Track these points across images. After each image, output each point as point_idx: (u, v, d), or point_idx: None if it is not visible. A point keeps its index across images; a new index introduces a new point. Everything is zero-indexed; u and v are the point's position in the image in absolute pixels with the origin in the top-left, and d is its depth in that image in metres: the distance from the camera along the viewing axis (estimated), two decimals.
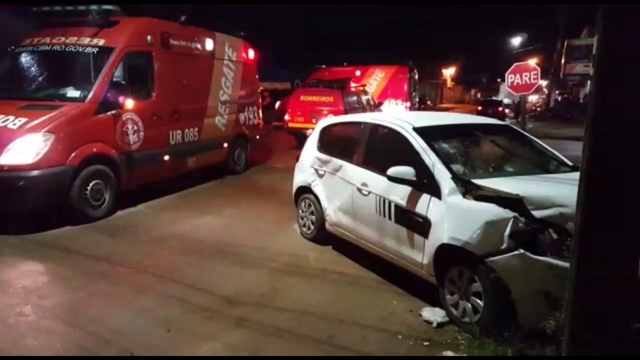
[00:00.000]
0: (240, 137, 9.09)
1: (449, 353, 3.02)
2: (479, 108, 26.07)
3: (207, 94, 8.11)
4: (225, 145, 8.61)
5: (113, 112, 6.01)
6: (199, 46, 7.86)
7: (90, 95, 5.83)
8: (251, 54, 9.44)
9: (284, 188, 6.74)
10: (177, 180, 7.50)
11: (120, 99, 6.03)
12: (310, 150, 5.43)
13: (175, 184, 7.41)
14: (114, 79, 6.09)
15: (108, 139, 5.98)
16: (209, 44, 8.08)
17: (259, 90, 10.25)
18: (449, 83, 56.38)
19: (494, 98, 33.99)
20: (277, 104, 20.52)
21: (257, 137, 9.89)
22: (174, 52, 7.18)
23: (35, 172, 5.18)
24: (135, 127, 6.38)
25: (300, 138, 11.21)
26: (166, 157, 7.02)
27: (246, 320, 3.50)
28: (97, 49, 6.21)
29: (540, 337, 2.78)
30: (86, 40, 6.31)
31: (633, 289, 2.33)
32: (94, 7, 6.49)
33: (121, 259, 4.59)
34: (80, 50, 6.24)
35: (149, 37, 6.72)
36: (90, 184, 5.70)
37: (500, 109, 25.68)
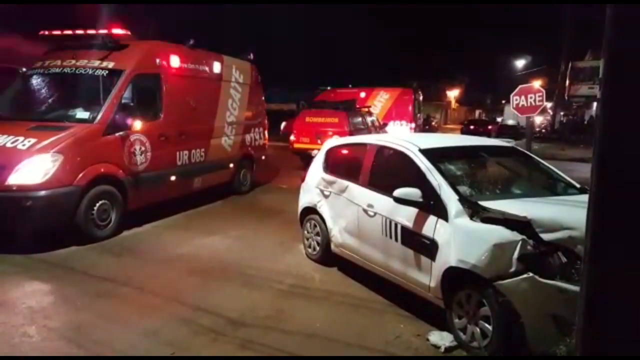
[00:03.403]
0: (246, 157, 9.14)
1: None
2: (471, 127, 29.75)
3: (214, 115, 8.20)
4: (232, 165, 8.66)
5: (121, 133, 6.08)
6: (206, 69, 7.99)
7: (99, 117, 5.91)
8: (258, 76, 9.57)
9: (289, 208, 6.73)
10: (184, 200, 7.52)
11: (129, 120, 6.11)
12: (316, 171, 5.45)
13: (181, 204, 7.43)
14: (123, 101, 6.18)
15: (116, 160, 6.03)
16: (217, 67, 8.22)
17: (265, 111, 10.36)
18: (454, 104, 56.68)
19: (483, 118, 40.57)
20: (283, 124, 20.71)
21: (263, 157, 9.95)
22: (181, 74, 7.31)
23: (43, 192, 5.21)
24: (143, 148, 6.44)
25: (305, 159, 11.26)
26: (173, 178, 7.06)
27: (251, 342, 3.46)
28: (106, 72, 6.33)
29: None
30: (96, 63, 6.43)
31: None
32: (104, 30, 6.64)
33: (126, 280, 4.58)
34: (90, 72, 6.36)
35: (157, 60, 6.85)
36: (97, 204, 5.73)
37: (489, 127, 29.84)
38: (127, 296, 4.25)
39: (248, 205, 8.35)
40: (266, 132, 10.07)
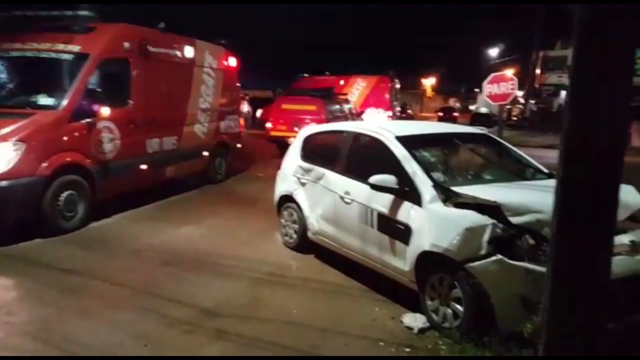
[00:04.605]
0: (220, 145, 8.99)
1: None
2: (440, 114, 33.69)
3: (186, 102, 8.02)
4: (206, 153, 8.51)
5: (88, 120, 5.87)
6: (178, 53, 7.79)
7: (64, 103, 5.69)
8: (232, 61, 9.38)
9: (265, 197, 6.68)
10: (156, 190, 7.36)
11: (96, 106, 5.89)
12: (293, 159, 5.41)
13: (153, 194, 7.26)
14: (89, 87, 5.96)
15: (82, 148, 5.83)
16: (189, 51, 8.02)
17: (240, 97, 10.20)
18: (429, 93, 57.24)
19: (450, 105, 43.36)
20: (259, 112, 20.49)
21: (238, 145, 9.82)
22: (152, 59, 7.09)
23: (4, 183, 5.00)
24: (111, 136, 6.25)
25: (282, 146, 11.18)
26: (143, 166, 6.88)
27: (227, 332, 3.42)
28: (71, 56, 6.08)
29: (518, 340, 2.82)
30: (60, 47, 6.16)
31: (607, 290, 2.37)
32: (68, 12, 6.36)
33: (96, 273, 4.45)
34: (54, 56, 6.10)
35: (126, 44, 6.62)
36: (63, 195, 5.53)
37: (455, 114, 33.85)
38: (96, 289, 4.14)
39: (223, 195, 8.24)
40: (242, 120, 9.94)
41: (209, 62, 8.61)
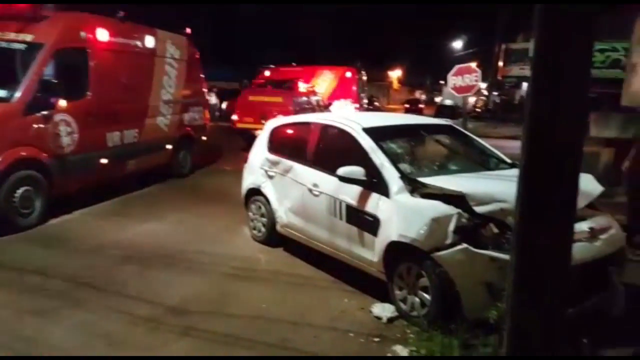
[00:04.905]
0: (185, 138, 8.78)
1: (399, 347, 3.06)
2: (406, 106, 34.47)
3: (148, 93, 7.76)
4: (169, 146, 8.29)
5: (44, 112, 5.59)
6: (138, 43, 7.51)
7: (17, 95, 5.38)
8: (195, 52, 9.16)
9: (232, 191, 6.58)
10: (118, 185, 7.12)
11: (52, 98, 5.62)
12: (260, 151, 5.34)
13: (115, 189, 7.03)
14: (45, 78, 5.66)
15: (38, 142, 5.55)
16: (150, 41, 7.75)
17: (205, 89, 9.97)
18: (395, 85, 57.82)
19: (416, 97, 44.82)
20: (225, 104, 20.13)
21: (204, 138, 9.63)
22: (111, 49, 6.81)
23: None
24: (69, 129, 5.98)
25: (249, 139, 11.03)
26: (104, 160, 6.64)
27: (194, 329, 3.36)
28: (25, 45, 5.75)
29: (483, 326, 2.89)
30: (12, 36, 5.83)
31: (568, 276, 2.46)
32: None
33: (55, 272, 4.27)
34: (6, 46, 5.75)
35: (82, 33, 6.33)
36: (19, 191, 5.27)
37: (420, 106, 34.88)
38: (56, 289, 3.96)
39: (189, 189, 8.07)
40: (207, 112, 9.73)
41: (171, 53, 8.37)
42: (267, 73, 17.19)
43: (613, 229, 3.37)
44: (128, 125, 7.18)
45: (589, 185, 3.37)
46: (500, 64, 26.41)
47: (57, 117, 5.78)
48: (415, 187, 3.50)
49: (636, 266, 4.15)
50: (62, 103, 5.74)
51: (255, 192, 5.27)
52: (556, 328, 2.42)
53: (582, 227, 3.10)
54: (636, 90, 7.46)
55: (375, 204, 3.67)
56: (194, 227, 5.82)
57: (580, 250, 2.59)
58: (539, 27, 2.35)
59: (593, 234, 3.15)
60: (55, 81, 5.74)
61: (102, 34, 6.61)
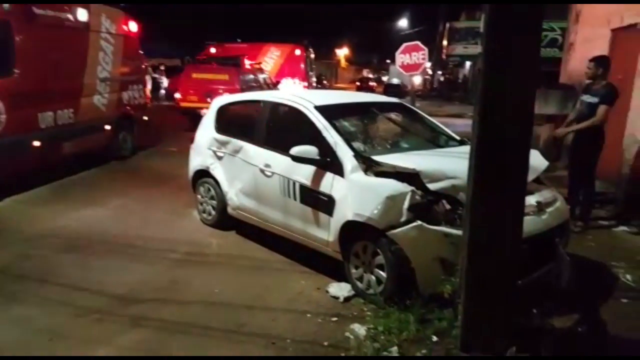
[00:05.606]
0: (124, 117, 8.30)
1: (356, 326, 3.08)
2: (358, 84, 36.04)
3: (82, 71, 7.20)
4: (108, 127, 7.81)
5: None
6: (70, 17, 6.90)
7: None
8: (133, 26, 8.58)
9: (179, 173, 6.31)
10: (53, 169, 6.64)
11: None
12: (207, 131, 5.12)
13: (50, 174, 6.55)
14: None
15: None
16: (83, 15, 7.14)
17: (144, 66, 9.43)
18: (343, 63, 57.82)
19: (367, 76, 46.36)
20: (166, 82, 19.26)
21: (145, 117, 9.15)
22: (39, 22, 6.21)
23: None
24: None
25: (194, 119, 10.61)
26: (36, 143, 6.13)
27: (144, 318, 3.20)
28: None
29: (438, 301, 2.96)
30: None
31: (518, 249, 2.55)
32: None
33: None
34: None
35: (5, 5, 5.70)
36: None
37: (371, 84, 36.51)
38: None
39: (131, 172, 7.67)
40: (147, 90, 9.23)
41: (107, 27, 7.78)
42: (212, 50, 16.54)
43: (558, 202, 3.54)
44: (62, 105, 6.65)
45: (535, 160, 3.50)
46: (445, 43, 27.00)
47: None
48: (369, 166, 3.49)
49: (576, 237, 4.42)
50: None
51: (203, 173, 5.07)
52: (509, 299, 2.52)
53: (530, 201, 3.23)
54: (573, 68, 7.87)
55: (330, 184, 3.62)
56: (139, 212, 5.53)
57: (528, 224, 2.68)
58: (490, 8, 2.36)
59: (540, 207, 3.29)
60: None
61: (28, 7, 6.00)
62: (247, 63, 13.49)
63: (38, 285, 3.62)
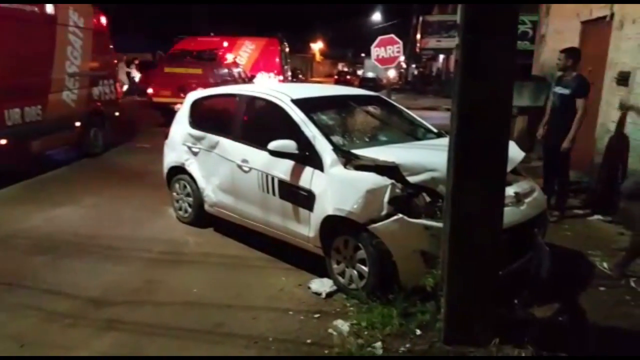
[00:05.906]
0: (95, 114, 8.04)
1: (339, 322, 3.05)
2: (336, 77, 36.85)
3: (50, 66, 6.93)
4: (78, 124, 7.55)
5: None
6: (35, 9, 6.61)
7: None
8: (103, 20, 8.32)
9: (152, 169, 6.15)
10: (21, 168, 6.40)
11: None
12: (181, 127, 4.98)
13: (18, 173, 6.31)
14: None
15: None
16: (49, 7, 6.86)
17: (115, 61, 9.15)
18: (318, 57, 57.65)
19: (344, 70, 47.66)
20: (138, 76, 18.79)
21: (117, 113, 8.89)
22: (2, 15, 5.93)
23: None
24: None
25: (167, 114, 10.37)
26: (2, 141, 5.88)
27: (118, 321, 3.09)
28: None
29: (420, 293, 2.96)
30: None
31: (498, 241, 2.56)
32: None
33: None
34: None
35: None
36: None
37: (348, 77, 37.20)
38: None
39: (104, 169, 7.44)
40: (118, 85, 8.96)
41: (74, 21, 7.50)
42: (182, 43, 16.17)
43: (536, 193, 3.58)
44: (29, 102, 6.40)
45: (512, 151, 3.53)
46: (418, 36, 27.19)
47: None
48: (348, 160, 3.45)
49: (552, 226, 4.49)
50: None
51: (178, 170, 4.94)
52: (490, 290, 2.53)
53: (508, 192, 3.24)
54: (545, 60, 8.02)
55: (309, 178, 3.57)
56: (111, 211, 5.37)
57: (507, 214, 2.69)
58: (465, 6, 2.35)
59: (518, 198, 3.32)
60: None
61: None
62: (221, 57, 13.23)
63: (7, 289, 3.47)
